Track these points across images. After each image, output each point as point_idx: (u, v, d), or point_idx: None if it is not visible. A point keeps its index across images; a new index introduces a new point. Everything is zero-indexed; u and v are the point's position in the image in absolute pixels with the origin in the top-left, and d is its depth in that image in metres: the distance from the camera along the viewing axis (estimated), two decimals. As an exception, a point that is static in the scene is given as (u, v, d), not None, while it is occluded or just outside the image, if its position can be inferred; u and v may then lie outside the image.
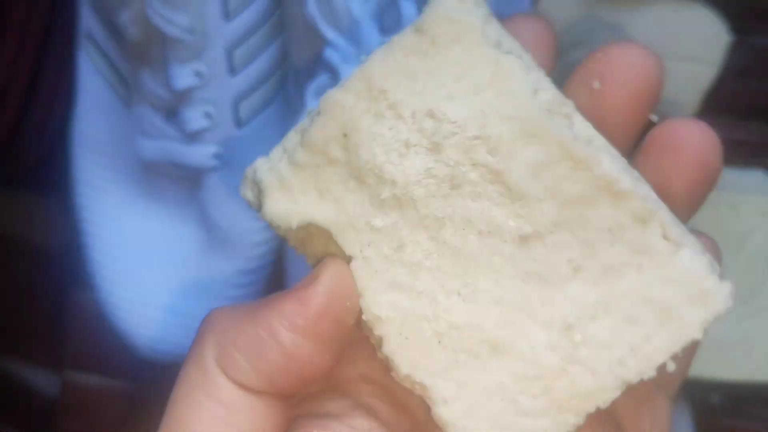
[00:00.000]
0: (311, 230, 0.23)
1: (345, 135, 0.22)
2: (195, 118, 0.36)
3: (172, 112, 0.37)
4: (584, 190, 0.21)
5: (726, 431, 0.41)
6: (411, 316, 0.22)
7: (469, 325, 0.22)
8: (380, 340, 0.22)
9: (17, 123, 0.51)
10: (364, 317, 0.22)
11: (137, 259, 0.40)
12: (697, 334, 0.21)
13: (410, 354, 0.22)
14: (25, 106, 0.49)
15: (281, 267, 0.40)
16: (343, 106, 0.22)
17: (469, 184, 0.22)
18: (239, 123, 0.37)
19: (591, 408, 0.21)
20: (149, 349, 0.39)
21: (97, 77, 0.40)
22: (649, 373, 0.21)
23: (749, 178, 0.38)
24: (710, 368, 0.34)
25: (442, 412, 0.22)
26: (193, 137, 0.37)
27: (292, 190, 0.23)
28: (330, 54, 0.31)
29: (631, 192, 0.21)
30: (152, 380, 0.45)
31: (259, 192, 0.23)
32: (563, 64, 0.40)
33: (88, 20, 0.40)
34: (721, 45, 0.39)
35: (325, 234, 0.23)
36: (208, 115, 0.36)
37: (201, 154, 0.37)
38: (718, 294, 0.21)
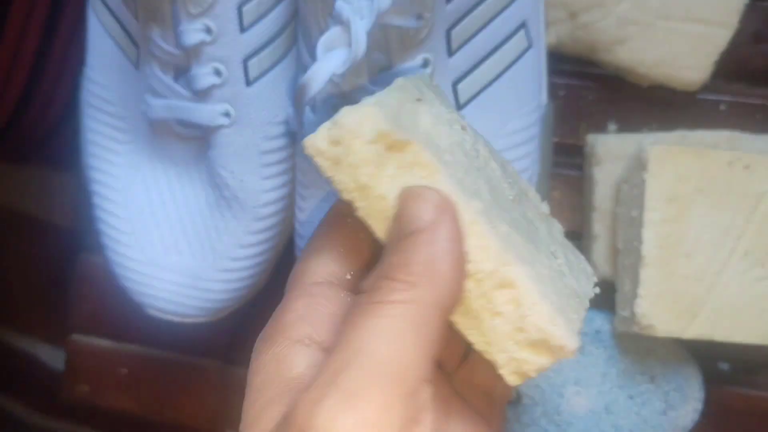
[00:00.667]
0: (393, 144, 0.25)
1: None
2: (204, 75, 0.36)
3: (181, 70, 0.37)
4: None
5: (735, 398, 0.41)
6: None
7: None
8: None
9: (26, 96, 0.51)
10: None
11: (146, 220, 0.40)
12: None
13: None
14: (34, 76, 0.49)
15: (291, 228, 0.40)
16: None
17: (482, 157, 0.28)
18: (248, 80, 0.37)
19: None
20: (159, 310, 0.39)
21: (106, 38, 0.40)
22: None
23: (763, 141, 0.38)
24: (722, 331, 0.34)
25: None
26: (202, 95, 0.37)
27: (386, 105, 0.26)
28: (341, 6, 0.31)
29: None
30: (162, 341, 0.45)
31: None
32: (575, 27, 0.40)
33: (96, -23, 0.39)
34: (736, 8, 0.39)
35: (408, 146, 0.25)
36: (217, 72, 0.36)
37: (210, 112, 0.37)
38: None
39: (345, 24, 0.31)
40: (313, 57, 0.35)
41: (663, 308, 0.34)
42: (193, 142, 0.39)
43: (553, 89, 0.41)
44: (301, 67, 0.36)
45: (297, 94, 0.31)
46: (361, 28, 0.30)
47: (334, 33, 0.31)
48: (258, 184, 0.38)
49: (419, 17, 0.33)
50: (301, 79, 0.31)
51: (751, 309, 0.34)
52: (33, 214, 0.81)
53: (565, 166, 0.42)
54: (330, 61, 0.31)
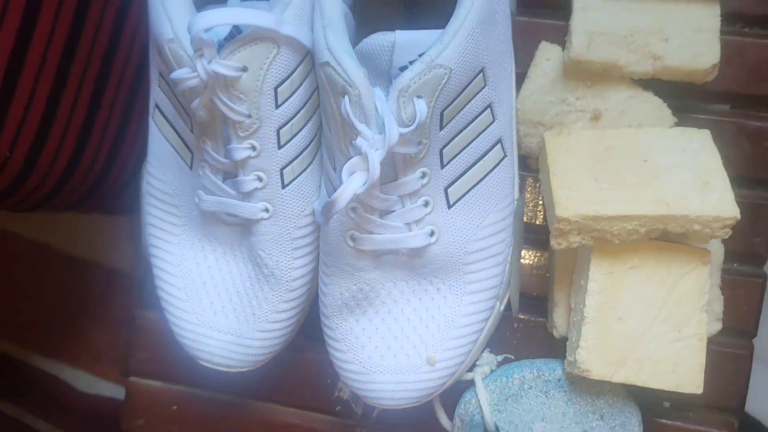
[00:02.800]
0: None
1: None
2: (249, 181, 0.46)
3: (229, 174, 0.47)
4: None
5: (671, 430, 0.51)
6: None
7: None
8: None
9: (109, 162, 0.62)
10: None
11: (198, 289, 0.50)
12: None
13: None
14: (116, 147, 0.60)
15: (315, 293, 0.50)
16: None
17: None
18: (284, 184, 0.47)
19: None
20: (209, 362, 0.49)
21: (165, 142, 0.50)
22: None
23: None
24: (643, 378, 0.44)
25: None
26: (246, 195, 0.47)
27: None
28: (361, 142, 0.41)
29: None
30: (206, 383, 0.55)
31: None
32: (541, 139, 0.50)
33: (156, 95, 0.49)
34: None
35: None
36: (259, 179, 0.46)
37: (253, 208, 0.47)
38: None
39: (363, 155, 0.41)
40: (335, 168, 0.45)
41: (597, 357, 0.44)
42: (237, 227, 0.49)
43: (523, 182, 0.51)
44: (325, 175, 0.46)
45: (326, 208, 0.41)
46: (376, 158, 0.41)
47: (355, 161, 0.41)
48: (290, 263, 0.48)
49: (419, 143, 0.43)
50: (330, 198, 0.41)
51: (666, 363, 0.44)
52: (103, 261, 0.91)
53: (534, 242, 0.52)
54: (352, 183, 0.41)
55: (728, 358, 0.50)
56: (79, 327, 1.00)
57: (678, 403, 0.51)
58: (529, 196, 0.52)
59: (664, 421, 0.51)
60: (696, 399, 0.47)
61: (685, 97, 0.50)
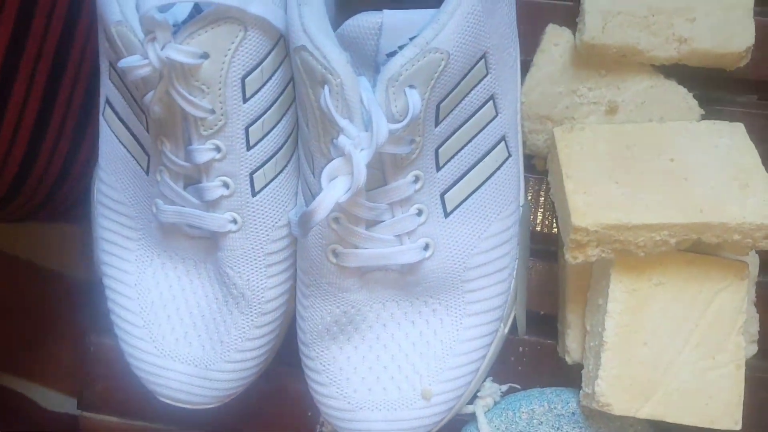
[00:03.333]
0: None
1: None
2: (213, 188, 0.40)
3: (191, 181, 0.40)
4: None
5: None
6: None
7: None
8: None
9: (65, 170, 0.56)
10: None
11: (157, 313, 0.43)
12: None
13: None
14: (72, 154, 0.54)
15: (291, 316, 0.44)
16: None
17: None
18: (254, 191, 0.40)
19: None
20: (170, 398, 0.42)
21: (117, 144, 0.43)
22: None
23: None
24: (673, 413, 0.38)
25: None
26: (211, 205, 0.40)
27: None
28: (343, 141, 0.34)
29: None
30: (168, 419, 0.48)
31: None
32: (549, 135, 0.44)
33: (107, 88, 0.43)
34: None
35: None
36: (225, 185, 0.40)
37: (219, 219, 0.40)
38: None
39: (346, 156, 0.35)
40: (314, 171, 0.38)
41: (620, 389, 0.38)
42: (201, 241, 0.42)
43: (527, 186, 0.45)
44: (303, 179, 0.40)
45: (303, 220, 0.35)
46: (361, 159, 0.34)
47: (336, 163, 0.35)
48: (263, 282, 0.41)
49: (411, 142, 0.37)
50: (308, 207, 0.34)
51: (699, 395, 0.38)
52: (61, 270, 0.85)
53: (542, 254, 0.46)
54: (334, 189, 0.34)
55: (763, 384, 0.44)
56: (43, 342, 0.95)
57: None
58: (534, 200, 0.46)
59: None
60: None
61: (711, 87, 0.44)
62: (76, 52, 0.57)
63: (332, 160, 0.35)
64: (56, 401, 0.95)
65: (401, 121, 0.35)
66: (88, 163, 0.61)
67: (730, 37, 0.40)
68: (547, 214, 0.46)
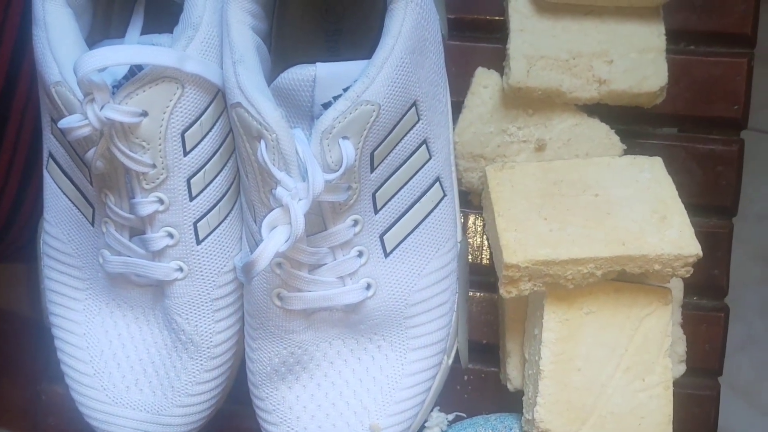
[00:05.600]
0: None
1: None
2: (158, 238, 0.40)
3: (136, 231, 0.41)
4: None
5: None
6: None
7: None
8: None
9: (11, 216, 0.56)
10: None
11: (107, 361, 0.44)
12: None
13: None
14: (18, 199, 0.54)
15: (241, 357, 0.45)
16: None
17: None
18: (198, 240, 0.41)
19: None
20: (123, 445, 0.43)
21: (62, 196, 0.44)
22: None
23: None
24: None
25: None
26: (157, 254, 0.41)
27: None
28: (281, 192, 0.36)
29: None
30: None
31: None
32: (482, 173, 0.46)
33: (50, 142, 0.43)
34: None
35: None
36: (170, 235, 0.41)
37: (165, 268, 0.41)
38: None
39: (285, 206, 0.36)
40: (255, 219, 0.40)
41: (557, 414, 0.40)
42: (148, 289, 0.43)
43: (465, 221, 0.47)
44: (245, 226, 0.41)
45: (246, 268, 0.36)
46: (299, 209, 0.36)
47: (276, 214, 0.36)
48: (211, 327, 0.42)
49: (348, 188, 0.38)
50: (251, 257, 0.36)
51: (631, 417, 0.40)
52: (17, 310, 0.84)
53: (482, 285, 0.48)
54: (274, 239, 0.36)
55: (694, 401, 0.46)
56: (-5, 384, 0.93)
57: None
58: (472, 234, 0.48)
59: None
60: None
61: (631, 122, 0.47)
62: (20, 99, 0.58)
63: (272, 210, 0.36)
64: (10, 442, 0.93)
65: (336, 170, 0.37)
66: (34, 210, 0.61)
67: (644, 77, 0.42)
68: (485, 247, 0.48)
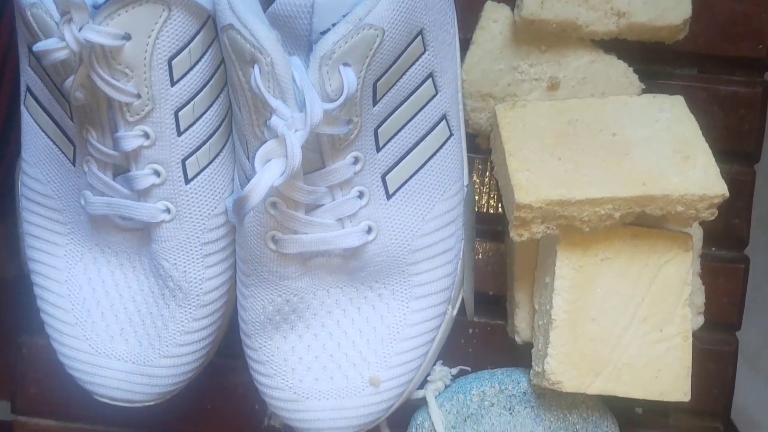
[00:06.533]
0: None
1: None
2: (144, 176, 0.38)
3: (120, 170, 0.38)
4: None
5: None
6: None
7: None
8: None
9: None
10: None
11: (90, 309, 0.41)
12: None
13: None
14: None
15: (233, 308, 0.42)
16: None
17: None
18: (187, 179, 0.38)
19: None
20: (107, 397, 0.40)
21: (41, 134, 0.41)
22: None
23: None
24: (622, 388, 0.38)
25: None
26: (142, 194, 0.38)
27: None
28: (276, 122, 0.33)
29: None
30: (107, 419, 0.46)
31: None
32: (492, 113, 0.43)
33: (27, 75, 0.40)
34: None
35: None
36: (156, 173, 0.38)
37: (151, 209, 0.38)
38: None
39: (280, 137, 0.33)
40: (248, 156, 0.37)
41: (570, 366, 0.38)
42: (134, 233, 0.41)
43: (472, 165, 0.44)
44: (238, 165, 0.38)
45: (238, 205, 0.33)
46: (296, 141, 0.33)
47: (270, 145, 0.33)
48: (200, 273, 0.40)
49: (349, 122, 0.35)
50: (242, 192, 0.33)
51: (648, 369, 0.38)
52: None
53: (489, 234, 0.45)
54: (268, 172, 0.33)
55: (711, 356, 0.44)
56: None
57: (654, 408, 0.45)
58: (479, 180, 0.45)
59: (640, 431, 0.45)
60: (675, 403, 0.41)
61: (650, 61, 0.44)
62: (1, 45, 0.54)
63: (266, 142, 0.33)
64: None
65: (336, 100, 0.34)
66: (14, 159, 0.58)
67: (667, 10, 0.39)
68: (493, 193, 0.45)
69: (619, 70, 0.42)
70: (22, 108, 0.41)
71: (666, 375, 0.38)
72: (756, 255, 0.46)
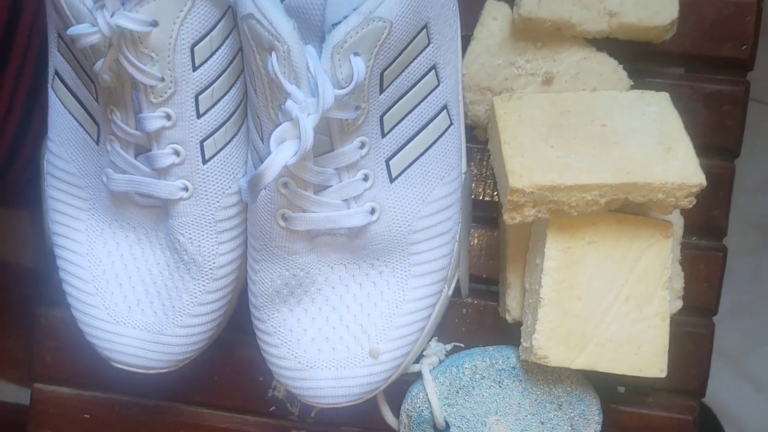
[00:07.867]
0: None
1: None
2: (164, 155, 0.40)
3: (141, 149, 0.41)
4: None
5: (630, 417, 0.47)
6: None
7: None
8: None
9: (13, 150, 0.55)
10: None
11: (109, 281, 0.44)
12: None
13: None
14: (21, 133, 0.53)
15: (243, 282, 0.45)
16: None
17: None
18: (204, 159, 0.41)
19: None
20: (124, 364, 0.43)
21: (66, 114, 0.43)
22: None
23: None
24: (605, 363, 0.40)
25: None
26: (162, 172, 0.41)
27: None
28: (291, 106, 0.36)
29: None
30: (122, 387, 0.49)
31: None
32: (488, 106, 0.46)
33: (56, 59, 0.43)
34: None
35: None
36: (176, 153, 0.41)
37: (169, 186, 0.41)
38: None
39: (294, 120, 0.36)
40: (262, 137, 0.40)
41: (556, 342, 0.41)
42: (152, 209, 0.43)
43: (470, 155, 0.47)
44: (252, 147, 0.41)
45: (253, 183, 0.36)
46: (308, 124, 0.36)
47: (284, 127, 0.36)
48: (214, 249, 0.42)
49: (357, 108, 0.38)
50: (257, 170, 0.36)
51: (629, 346, 0.41)
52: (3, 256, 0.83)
53: (484, 221, 0.48)
54: (282, 152, 0.36)
55: (688, 338, 0.47)
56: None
57: (635, 387, 0.48)
58: (476, 170, 0.48)
59: (622, 407, 0.47)
60: (654, 382, 0.44)
61: (639, 60, 0.46)
62: (25, 27, 0.57)
63: (280, 124, 0.36)
64: (7, 392, 0.93)
65: (346, 87, 0.37)
66: (38, 144, 0.61)
67: (655, 11, 0.42)
68: (488, 182, 0.48)
69: (609, 67, 0.45)
70: (50, 90, 0.44)
71: (645, 352, 0.41)
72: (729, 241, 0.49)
